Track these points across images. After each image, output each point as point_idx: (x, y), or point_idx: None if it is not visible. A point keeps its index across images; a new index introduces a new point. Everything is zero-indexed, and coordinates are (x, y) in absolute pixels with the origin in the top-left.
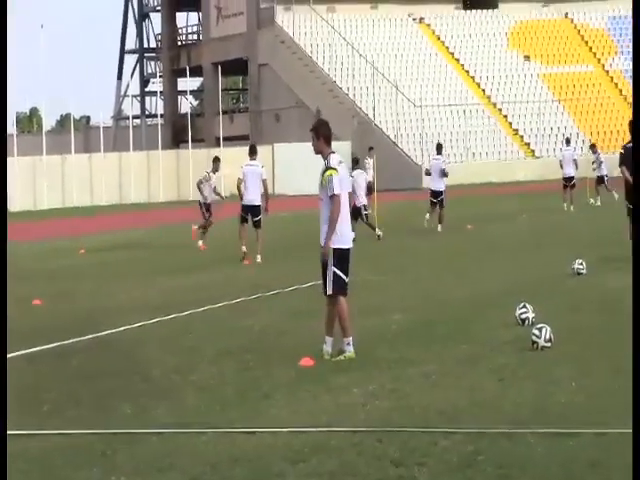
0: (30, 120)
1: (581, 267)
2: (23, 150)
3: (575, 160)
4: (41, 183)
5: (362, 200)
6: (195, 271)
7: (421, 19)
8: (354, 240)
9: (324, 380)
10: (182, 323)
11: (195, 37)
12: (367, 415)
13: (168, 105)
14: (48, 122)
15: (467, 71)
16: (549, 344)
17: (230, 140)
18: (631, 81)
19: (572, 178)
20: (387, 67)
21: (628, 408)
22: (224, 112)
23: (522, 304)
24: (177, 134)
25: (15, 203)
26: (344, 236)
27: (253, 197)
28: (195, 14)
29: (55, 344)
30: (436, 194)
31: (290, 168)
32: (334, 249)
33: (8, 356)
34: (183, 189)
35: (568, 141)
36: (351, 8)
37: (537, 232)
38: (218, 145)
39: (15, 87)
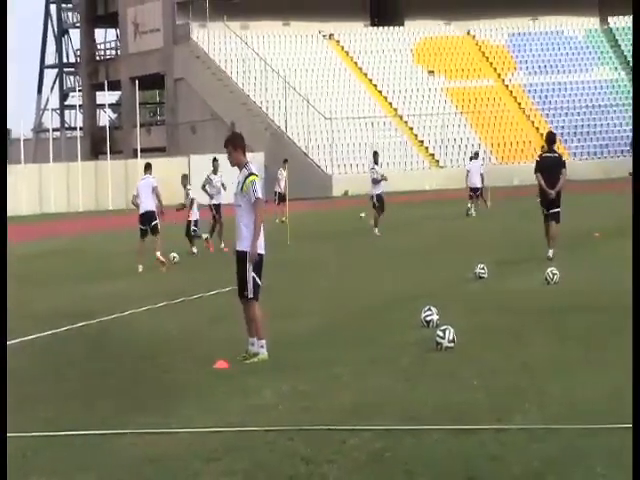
0: None
1: (482, 271)
2: None
3: (482, 173)
4: None
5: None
6: (121, 277)
7: (331, 35)
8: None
9: (238, 382)
10: (104, 328)
11: (113, 52)
12: (279, 415)
13: (87, 118)
14: None
15: (375, 85)
16: (452, 344)
17: (147, 152)
18: (530, 95)
19: (478, 189)
20: (298, 81)
21: (527, 405)
22: (142, 125)
23: (427, 307)
24: (96, 146)
25: None
26: (261, 242)
27: (146, 205)
28: (113, 30)
29: None
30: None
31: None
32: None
33: None
34: (102, 199)
35: (477, 155)
36: (264, 25)
37: (442, 238)
38: (136, 156)
39: None
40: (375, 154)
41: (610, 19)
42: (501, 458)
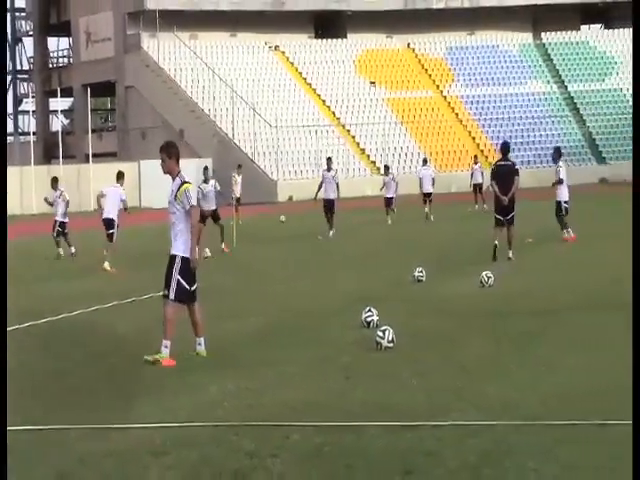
0: None
1: (421, 274)
2: None
3: (433, 178)
4: None
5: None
6: (72, 278)
7: (276, 47)
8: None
9: (185, 379)
10: (54, 328)
11: (66, 60)
12: (225, 411)
13: (40, 123)
14: None
15: (319, 95)
16: (391, 344)
17: (99, 156)
18: (467, 106)
19: (430, 194)
20: (245, 90)
21: (463, 403)
22: (93, 130)
23: (368, 308)
24: (49, 151)
25: None
26: (192, 246)
27: (108, 212)
28: (66, 39)
29: None
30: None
31: (155, 183)
32: (182, 258)
33: None
34: None
35: (425, 161)
36: (212, 36)
37: (383, 243)
38: (87, 161)
39: None
40: (329, 160)
41: (543, 35)
42: (437, 453)
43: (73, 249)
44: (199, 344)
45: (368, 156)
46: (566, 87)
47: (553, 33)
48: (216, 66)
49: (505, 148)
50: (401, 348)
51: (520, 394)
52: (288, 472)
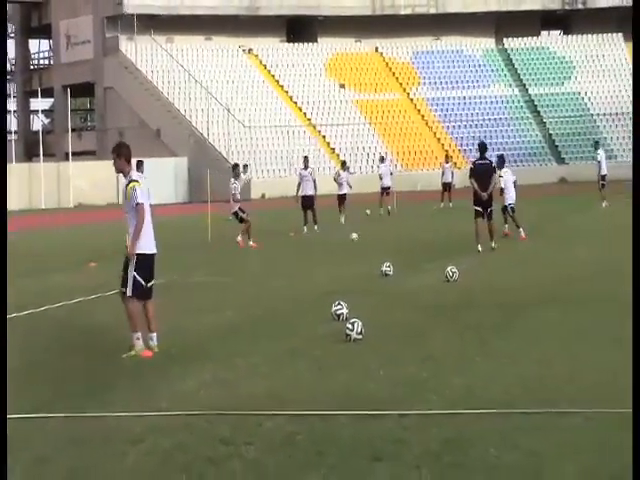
0: None
1: (388, 269)
2: None
3: (392, 173)
4: None
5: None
6: (53, 272)
7: (250, 50)
8: None
9: (161, 370)
10: (30, 320)
11: (46, 62)
12: (200, 400)
13: (21, 123)
14: None
15: (291, 97)
16: (360, 336)
17: (78, 155)
18: (432, 108)
19: (389, 188)
20: (220, 92)
21: (429, 393)
22: (73, 130)
23: (337, 302)
24: (29, 149)
25: None
26: (147, 242)
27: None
28: (46, 41)
29: None
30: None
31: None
32: (137, 254)
33: None
34: (35, 199)
35: (382, 158)
36: (188, 39)
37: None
38: (67, 159)
39: None
40: (306, 159)
41: (505, 40)
42: (404, 441)
43: None
44: (151, 339)
45: (338, 155)
46: (527, 90)
47: (515, 39)
48: (192, 68)
49: (483, 148)
50: (369, 340)
51: (483, 384)
52: (262, 459)
